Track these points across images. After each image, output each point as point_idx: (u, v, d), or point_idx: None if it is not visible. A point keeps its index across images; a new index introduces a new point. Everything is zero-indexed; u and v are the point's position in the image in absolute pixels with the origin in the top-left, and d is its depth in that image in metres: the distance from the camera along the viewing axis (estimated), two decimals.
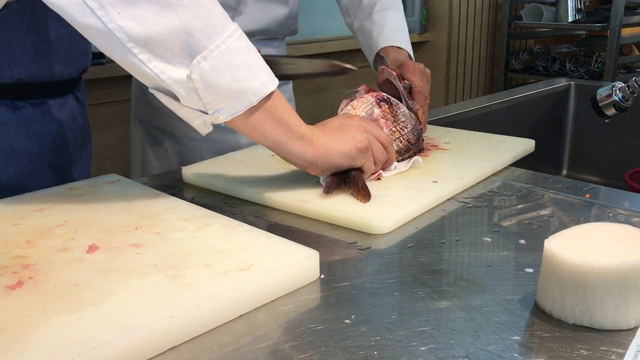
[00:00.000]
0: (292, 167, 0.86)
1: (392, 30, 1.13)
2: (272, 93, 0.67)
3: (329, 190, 0.75)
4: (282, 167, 0.87)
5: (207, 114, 0.65)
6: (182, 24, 0.60)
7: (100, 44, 0.61)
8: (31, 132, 0.86)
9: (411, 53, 1.11)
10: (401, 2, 1.20)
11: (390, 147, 0.83)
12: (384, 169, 0.83)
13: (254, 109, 0.66)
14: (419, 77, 1.00)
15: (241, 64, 0.64)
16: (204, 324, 0.50)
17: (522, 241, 0.66)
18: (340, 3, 1.23)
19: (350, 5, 1.20)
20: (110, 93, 2.09)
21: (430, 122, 1.20)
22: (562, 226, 0.69)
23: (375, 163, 0.79)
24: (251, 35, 1.10)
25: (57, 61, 0.85)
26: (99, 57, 1.97)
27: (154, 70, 0.61)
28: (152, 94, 0.66)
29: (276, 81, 0.68)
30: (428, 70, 1.04)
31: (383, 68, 0.99)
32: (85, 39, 0.89)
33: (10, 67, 0.81)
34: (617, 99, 1.14)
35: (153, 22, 0.59)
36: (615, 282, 0.47)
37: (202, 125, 0.67)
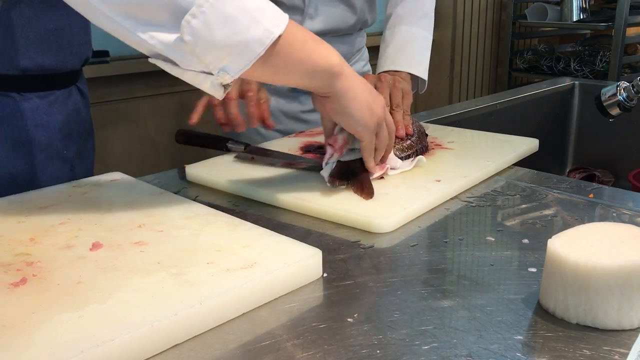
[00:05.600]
0: (296, 166, 0.86)
1: (395, 50, 1.07)
2: (281, 36, 0.59)
3: (332, 182, 0.76)
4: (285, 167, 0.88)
5: (212, 74, 0.60)
6: None
7: (88, 17, 0.59)
8: (39, 123, 0.87)
9: (415, 71, 1.05)
10: (423, 9, 1.12)
11: (392, 141, 0.80)
12: (383, 161, 0.82)
13: (264, 58, 0.59)
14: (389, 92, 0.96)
15: (237, 12, 0.57)
16: (207, 322, 0.50)
17: (526, 241, 0.66)
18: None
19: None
20: (113, 91, 2.09)
21: (434, 122, 1.20)
22: (566, 226, 0.69)
23: (376, 149, 0.76)
24: (324, 34, 1.12)
25: (60, 51, 0.88)
26: (102, 56, 1.97)
27: (142, 36, 0.57)
28: None
29: (285, 19, 0.60)
30: (398, 84, 0.99)
31: None
32: (86, 29, 0.91)
33: (17, 58, 0.83)
34: (622, 98, 1.14)
35: None
36: (618, 282, 0.47)
37: (212, 88, 0.62)
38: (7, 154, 0.85)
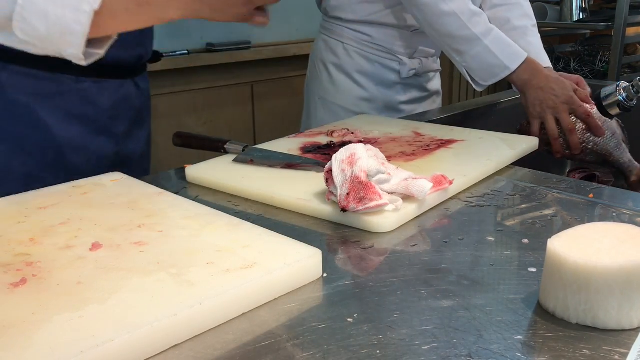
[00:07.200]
0: (296, 167, 0.86)
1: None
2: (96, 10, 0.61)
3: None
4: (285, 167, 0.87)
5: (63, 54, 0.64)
6: None
7: None
8: (89, 100, 0.97)
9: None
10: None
11: None
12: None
13: (99, 22, 0.62)
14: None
15: (47, 5, 0.60)
16: (207, 322, 0.50)
17: (526, 241, 0.66)
18: None
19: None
20: None
21: (434, 121, 1.20)
22: (566, 226, 0.69)
23: None
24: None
25: (114, 48, 0.92)
26: None
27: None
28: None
29: None
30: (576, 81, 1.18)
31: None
32: (142, 31, 0.97)
33: None
34: (621, 98, 1.14)
35: None
36: (618, 282, 0.47)
37: (74, 59, 0.65)
38: (59, 123, 0.94)
